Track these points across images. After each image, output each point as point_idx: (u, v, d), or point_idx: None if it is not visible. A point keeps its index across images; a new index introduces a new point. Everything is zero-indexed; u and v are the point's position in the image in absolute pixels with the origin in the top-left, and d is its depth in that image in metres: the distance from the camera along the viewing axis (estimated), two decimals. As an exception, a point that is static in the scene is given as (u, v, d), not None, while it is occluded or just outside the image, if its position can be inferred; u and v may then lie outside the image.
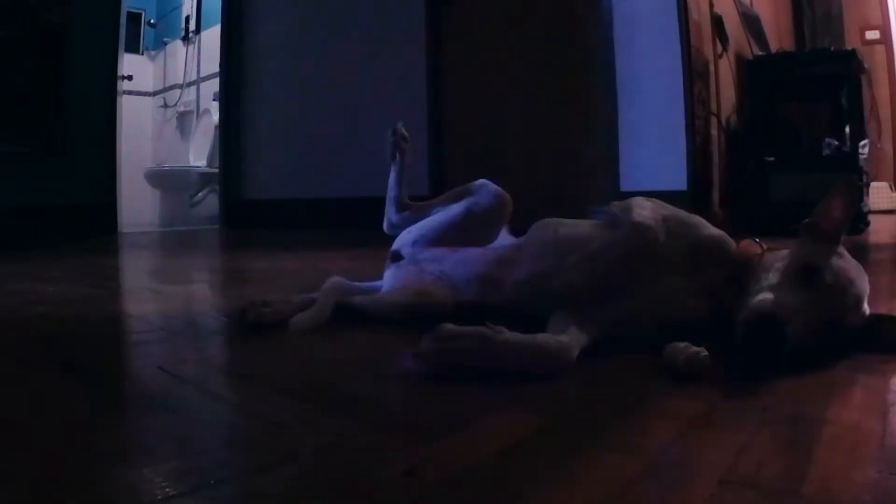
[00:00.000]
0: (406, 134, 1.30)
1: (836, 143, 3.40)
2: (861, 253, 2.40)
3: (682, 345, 0.77)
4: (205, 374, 0.85)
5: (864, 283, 0.87)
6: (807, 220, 0.90)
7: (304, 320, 1.04)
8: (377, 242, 1.44)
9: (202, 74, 6.08)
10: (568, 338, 0.83)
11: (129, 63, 4.68)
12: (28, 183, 3.95)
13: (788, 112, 3.68)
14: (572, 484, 0.49)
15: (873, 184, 4.40)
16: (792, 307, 0.76)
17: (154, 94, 6.72)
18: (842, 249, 0.88)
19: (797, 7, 5.39)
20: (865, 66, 3.75)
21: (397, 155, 1.30)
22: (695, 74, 3.10)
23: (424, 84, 3.89)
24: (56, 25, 3.96)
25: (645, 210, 0.95)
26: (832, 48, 3.95)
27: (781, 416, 0.63)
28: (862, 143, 3.40)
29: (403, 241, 1.25)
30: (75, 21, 4.04)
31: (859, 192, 0.82)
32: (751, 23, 3.92)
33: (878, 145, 4.87)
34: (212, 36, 5.66)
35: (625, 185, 3.22)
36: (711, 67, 3.31)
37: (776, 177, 3.40)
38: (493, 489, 0.49)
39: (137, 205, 5.30)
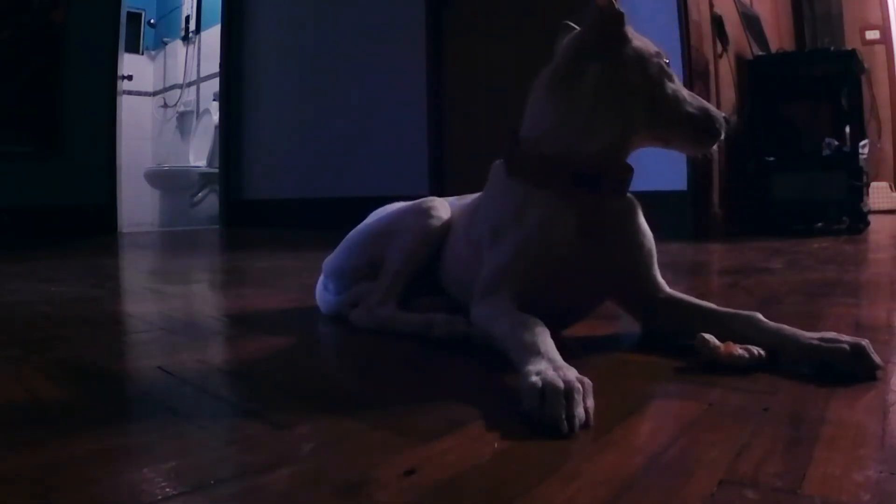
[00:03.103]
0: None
1: (836, 143, 3.40)
2: (861, 253, 2.40)
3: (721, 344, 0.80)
4: (205, 374, 0.85)
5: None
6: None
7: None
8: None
9: (202, 74, 6.08)
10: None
11: (129, 63, 4.68)
12: (28, 183, 3.96)
13: (788, 112, 3.68)
14: (571, 484, 0.49)
15: (873, 184, 4.40)
16: None
17: (154, 94, 6.72)
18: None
19: (797, 7, 5.39)
20: (865, 66, 3.75)
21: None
22: (695, 74, 3.10)
23: (424, 84, 3.90)
24: (56, 25, 3.96)
25: None
26: (832, 48, 3.94)
27: (781, 416, 0.63)
28: (862, 143, 3.40)
29: None
30: (75, 21, 4.05)
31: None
32: (751, 23, 3.92)
33: (878, 145, 4.88)
34: (212, 36, 5.67)
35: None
36: (711, 67, 3.31)
37: (777, 177, 3.40)
38: (492, 489, 0.49)
39: (137, 205, 5.30)
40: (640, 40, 0.96)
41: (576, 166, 0.91)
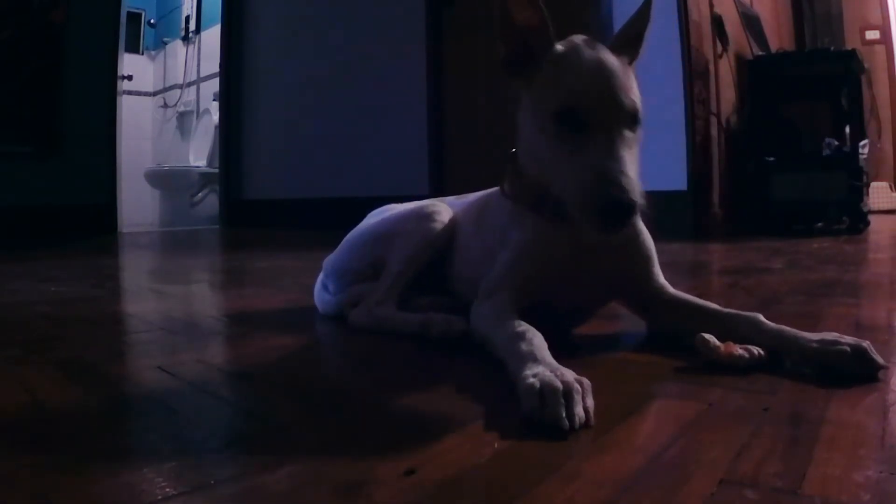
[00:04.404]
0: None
1: (836, 143, 3.40)
2: (861, 253, 2.40)
3: (721, 344, 0.80)
4: (205, 374, 0.85)
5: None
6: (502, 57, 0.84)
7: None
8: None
9: (202, 74, 6.08)
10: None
11: (129, 63, 4.68)
12: (28, 183, 3.96)
13: (788, 112, 3.68)
14: (571, 484, 0.49)
15: (873, 184, 4.40)
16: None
17: (154, 94, 6.72)
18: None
19: (797, 7, 5.39)
20: (865, 66, 3.75)
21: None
22: (695, 74, 3.10)
23: (424, 84, 3.89)
24: (56, 25, 3.96)
25: None
26: (832, 48, 3.94)
27: (781, 416, 0.63)
28: (862, 143, 3.40)
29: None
30: (75, 21, 4.04)
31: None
32: (751, 23, 3.91)
33: (878, 145, 4.87)
34: (212, 36, 5.67)
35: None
36: (711, 67, 3.31)
37: (777, 177, 3.40)
38: (492, 489, 0.49)
39: (137, 205, 5.30)
40: (569, 70, 0.79)
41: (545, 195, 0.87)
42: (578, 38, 0.84)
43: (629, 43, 0.88)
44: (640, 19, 0.90)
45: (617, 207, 0.72)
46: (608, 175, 0.72)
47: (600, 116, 0.77)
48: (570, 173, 0.76)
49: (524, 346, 0.73)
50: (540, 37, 0.83)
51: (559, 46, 0.83)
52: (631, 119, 0.79)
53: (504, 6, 0.81)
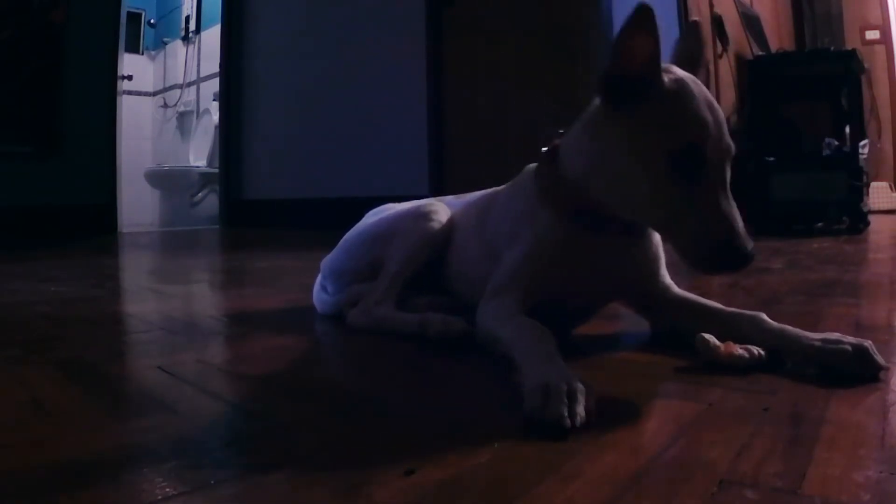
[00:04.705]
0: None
1: (836, 143, 3.40)
2: (861, 253, 2.40)
3: (721, 344, 0.80)
4: (205, 374, 0.85)
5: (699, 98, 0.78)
6: (602, 72, 0.79)
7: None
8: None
9: (202, 74, 6.08)
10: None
11: (129, 63, 4.68)
12: (28, 183, 3.95)
13: (788, 112, 3.68)
14: (571, 484, 0.49)
15: (873, 184, 4.40)
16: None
17: (154, 94, 6.72)
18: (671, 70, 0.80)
19: (797, 7, 5.39)
20: (865, 65, 3.75)
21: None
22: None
23: (424, 84, 3.89)
24: (56, 25, 3.96)
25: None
26: (832, 48, 3.94)
27: (781, 416, 0.63)
28: (862, 143, 3.40)
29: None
30: (75, 21, 4.04)
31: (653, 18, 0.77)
32: (751, 23, 3.92)
33: (878, 145, 4.87)
34: (212, 36, 5.66)
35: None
36: (711, 67, 3.31)
37: (777, 177, 3.40)
38: (492, 489, 0.49)
39: (137, 205, 5.30)
40: (687, 108, 0.77)
41: (593, 208, 0.88)
42: (681, 71, 0.82)
43: (686, 68, 0.85)
44: (689, 42, 0.90)
45: (740, 257, 0.75)
46: (732, 224, 0.77)
47: (717, 158, 0.78)
48: (686, 213, 0.77)
49: (532, 342, 0.73)
50: (650, 67, 0.78)
51: (667, 78, 0.79)
52: (732, 158, 0.81)
53: (628, 30, 0.76)
